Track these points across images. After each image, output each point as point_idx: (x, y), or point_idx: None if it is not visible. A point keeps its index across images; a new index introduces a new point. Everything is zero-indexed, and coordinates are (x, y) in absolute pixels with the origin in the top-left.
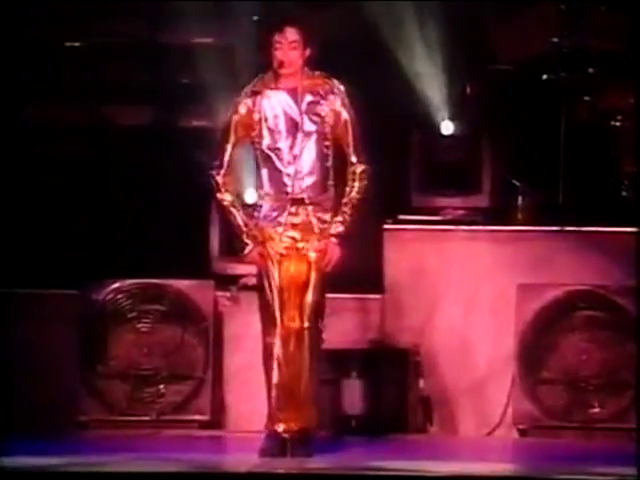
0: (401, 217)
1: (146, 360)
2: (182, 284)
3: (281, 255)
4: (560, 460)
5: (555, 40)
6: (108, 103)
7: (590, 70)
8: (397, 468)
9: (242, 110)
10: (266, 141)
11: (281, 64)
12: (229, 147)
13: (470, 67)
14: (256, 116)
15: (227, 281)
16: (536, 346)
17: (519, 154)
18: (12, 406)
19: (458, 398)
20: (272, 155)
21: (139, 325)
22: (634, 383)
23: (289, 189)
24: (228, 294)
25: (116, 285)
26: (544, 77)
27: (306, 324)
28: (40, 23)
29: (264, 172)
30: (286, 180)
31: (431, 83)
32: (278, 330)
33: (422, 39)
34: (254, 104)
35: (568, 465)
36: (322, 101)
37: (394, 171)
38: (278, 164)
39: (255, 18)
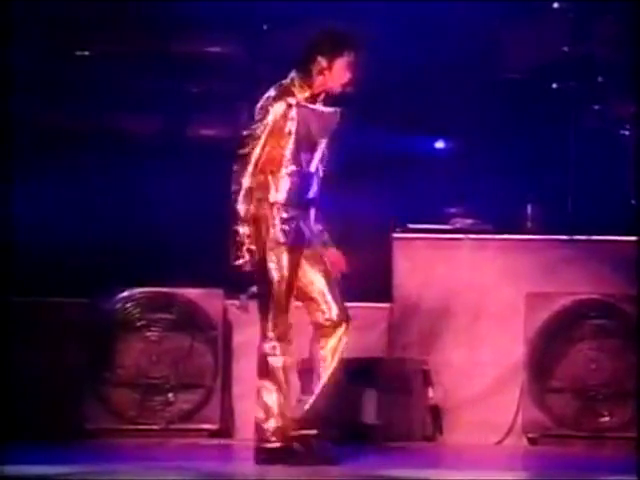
0: (410, 226)
1: (155, 368)
2: (191, 293)
3: (298, 261)
4: (570, 469)
5: (565, 49)
6: (119, 112)
7: (599, 79)
8: (407, 477)
9: (277, 118)
10: (293, 152)
11: (347, 84)
12: (258, 151)
13: (480, 76)
14: (289, 126)
15: (236, 290)
16: (545, 355)
17: (528, 162)
18: (20, 414)
19: (467, 407)
20: (295, 166)
21: (148, 333)
22: None
23: (306, 200)
24: (237, 302)
25: (125, 294)
26: (554, 86)
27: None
28: (52, 31)
29: (285, 182)
30: (305, 192)
31: (439, 92)
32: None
33: (431, 49)
34: (289, 114)
35: (578, 474)
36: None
37: (403, 180)
38: (297, 176)
39: (265, 27)
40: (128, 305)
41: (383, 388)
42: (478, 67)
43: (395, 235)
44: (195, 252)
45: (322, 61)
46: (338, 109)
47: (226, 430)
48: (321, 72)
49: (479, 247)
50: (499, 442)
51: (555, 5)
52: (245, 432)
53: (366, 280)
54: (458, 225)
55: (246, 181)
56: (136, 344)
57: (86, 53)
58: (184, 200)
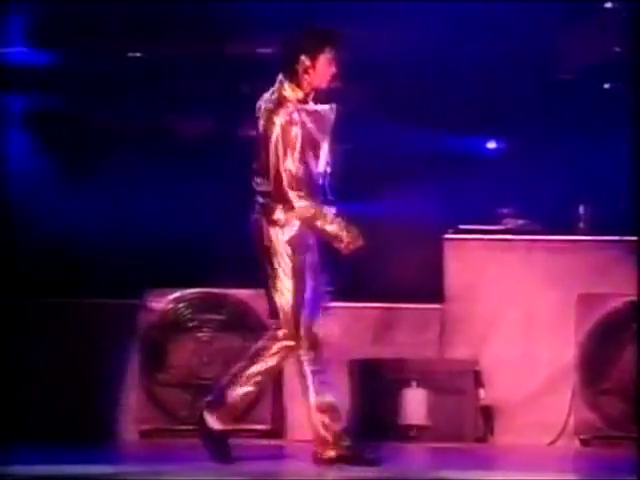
0: (461, 227)
1: (206, 369)
2: (242, 293)
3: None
4: (622, 471)
5: (617, 49)
6: (171, 113)
7: None
8: (458, 478)
9: (284, 125)
10: (302, 154)
11: (332, 79)
12: (294, 170)
13: (532, 77)
14: (295, 130)
15: None
16: (596, 356)
17: (581, 163)
18: (72, 415)
19: (519, 408)
20: (305, 168)
21: (199, 334)
22: None
23: (319, 201)
24: None
25: (177, 294)
26: (606, 86)
27: None
28: (105, 33)
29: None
30: (317, 193)
31: (492, 93)
32: None
33: (483, 51)
34: (293, 118)
35: (629, 475)
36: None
37: (455, 181)
38: (309, 177)
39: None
40: (180, 306)
41: (434, 389)
42: (530, 68)
43: (446, 236)
44: (246, 252)
45: (306, 60)
46: (332, 105)
47: (277, 430)
48: (306, 71)
49: (530, 247)
50: (551, 443)
51: (607, 5)
52: (297, 432)
53: (417, 281)
54: (510, 226)
55: (308, 204)
56: (187, 345)
57: (138, 54)
58: (235, 200)
